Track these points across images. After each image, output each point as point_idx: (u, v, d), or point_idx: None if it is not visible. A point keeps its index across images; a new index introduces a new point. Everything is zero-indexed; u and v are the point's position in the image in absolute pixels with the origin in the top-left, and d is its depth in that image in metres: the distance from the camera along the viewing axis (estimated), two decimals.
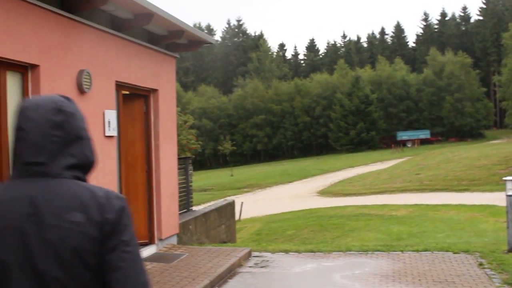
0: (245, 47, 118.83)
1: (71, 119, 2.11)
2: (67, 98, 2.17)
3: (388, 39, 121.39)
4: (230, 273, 9.49)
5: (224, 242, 15.17)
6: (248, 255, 10.85)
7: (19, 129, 2.07)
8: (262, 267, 10.04)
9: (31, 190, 2.00)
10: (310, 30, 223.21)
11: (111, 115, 8.94)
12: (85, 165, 2.14)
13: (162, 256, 10.38)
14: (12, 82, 6.98)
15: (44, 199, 1.99)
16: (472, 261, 9.96)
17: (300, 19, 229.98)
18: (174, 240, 11.68)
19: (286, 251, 11.53)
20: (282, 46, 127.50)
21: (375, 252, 11.15)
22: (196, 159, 16.01)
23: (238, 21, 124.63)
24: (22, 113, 2.09)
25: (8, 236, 1.96)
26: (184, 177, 14.28)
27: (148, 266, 9.44)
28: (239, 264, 10.07)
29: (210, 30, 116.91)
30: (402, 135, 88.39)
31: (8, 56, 6.66)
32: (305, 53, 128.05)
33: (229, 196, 37.79)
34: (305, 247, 12.26)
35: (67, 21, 7.80)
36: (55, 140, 2.05)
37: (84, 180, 2.13)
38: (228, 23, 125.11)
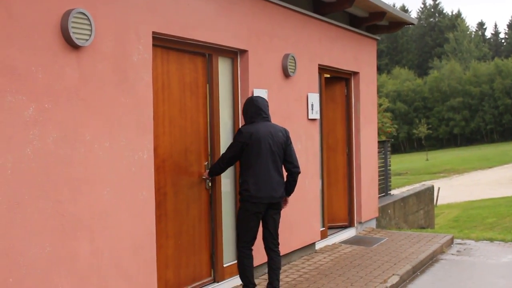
0: (441, 28, 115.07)
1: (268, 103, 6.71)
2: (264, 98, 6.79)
3: None
4: (432, 259, 9.26)
5: (423, 228, 14.86)
6: (451, 242, 10.52)
7: (256, 103, 6.46)
8: (465, 255, 9.69)
9: (267, 126, 6.41)
10: None
11: (314, 98, 9.05)
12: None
13: (362, 239, 10.38)
14: (223, 67, 7.29)
15: (271, 129, 6.42)
16: None
17: None
18: (373, 224, 11.63)
19: (491, 240, 11.02)
20: (481, 25, 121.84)
21: None
22: (390, 143, 16.01)
23: (434, 0, 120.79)
24: (256, 100, 6.49)
25: (263, 141, 6.28)
26: (382, 161, 14.16)
27: (348, 249, 9.49)
28: (441, 251, 9.80)
29: (405, 11, 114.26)
30: None
31: (220, 43, 6.95)
32: (507, 31, 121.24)
33: (424, 181, 36.95)
34: (511, 236, 11.63)
35: (273, 7, 7.98)
36: (267, 109, 6.56)
37: None
38: (424, 3, 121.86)
